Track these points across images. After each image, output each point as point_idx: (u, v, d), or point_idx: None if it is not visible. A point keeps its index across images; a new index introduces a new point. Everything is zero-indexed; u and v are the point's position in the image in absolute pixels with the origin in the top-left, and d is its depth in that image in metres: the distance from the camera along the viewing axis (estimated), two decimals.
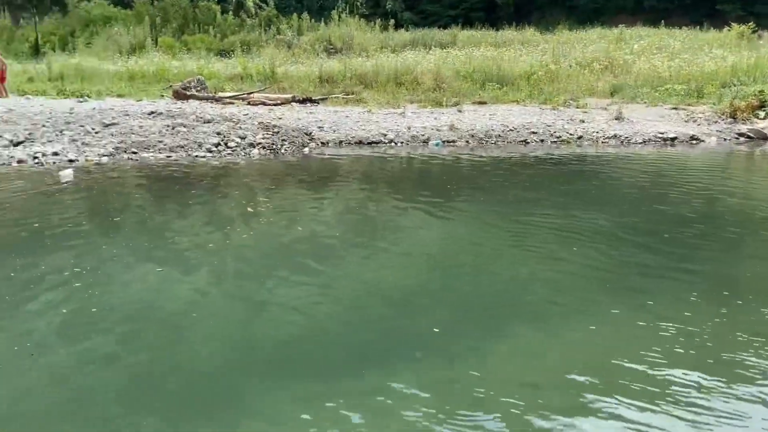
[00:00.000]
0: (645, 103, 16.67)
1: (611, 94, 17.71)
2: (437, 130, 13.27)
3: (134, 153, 10.75)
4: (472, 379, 3.64)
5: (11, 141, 11.00)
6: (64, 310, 4.41)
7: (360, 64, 21.09)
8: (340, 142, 12.51)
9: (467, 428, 3.17)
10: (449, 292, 4.99)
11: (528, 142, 12.70)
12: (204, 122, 12.98)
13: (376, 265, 5.60)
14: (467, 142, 12.68)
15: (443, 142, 12.58)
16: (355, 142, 12.51)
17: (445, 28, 29.68)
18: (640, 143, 12.76)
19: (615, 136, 13.13)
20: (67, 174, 9.02)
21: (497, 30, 28.91)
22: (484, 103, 17.18)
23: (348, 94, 18.46)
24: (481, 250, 6.02)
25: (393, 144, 12.44)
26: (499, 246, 6.15)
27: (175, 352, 3.89)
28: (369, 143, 12.48)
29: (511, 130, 13.34)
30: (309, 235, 6.43)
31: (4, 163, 9.80)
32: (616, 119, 14.35)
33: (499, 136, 13.00)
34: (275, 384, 3.55)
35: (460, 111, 15.70)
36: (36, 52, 27.10)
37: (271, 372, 3.70)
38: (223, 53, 26.16)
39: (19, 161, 9.90)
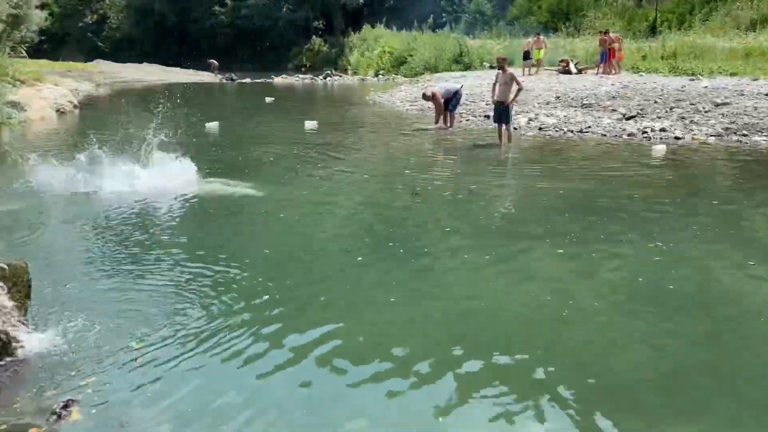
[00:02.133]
0: None
1: None
2: None
3: (744, 135, 10.04)
4: None
5: (624, 115, 11.84)
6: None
7: None
8: None
9: None
10: None
11: None
12: None
13: None
14: None
15: None
16: None
17: None
18: None
19: None
20: (659, 149, 9.15)
21: None
22: None
23: None
24: None
25: None
26: None
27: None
28: None
29: None
30: None
31: (616, 135, 10.62)
32: None
33: None
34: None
35: None
36: (653, 30, 28.08)
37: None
38: None
39: (629, 135, 10.55)
